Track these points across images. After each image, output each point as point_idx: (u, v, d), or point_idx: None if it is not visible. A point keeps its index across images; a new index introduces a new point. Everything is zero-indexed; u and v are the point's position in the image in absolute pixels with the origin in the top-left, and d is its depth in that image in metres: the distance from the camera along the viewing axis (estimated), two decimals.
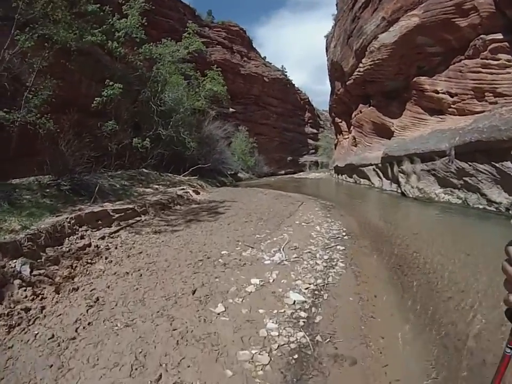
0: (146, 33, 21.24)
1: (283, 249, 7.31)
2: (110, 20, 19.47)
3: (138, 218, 9.65)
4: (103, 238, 7.68)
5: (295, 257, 6.83)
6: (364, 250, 7.96)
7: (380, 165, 23.51)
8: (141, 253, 6.96)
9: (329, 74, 44.28)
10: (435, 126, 19.30)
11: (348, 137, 39.08)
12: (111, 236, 7.97)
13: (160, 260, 6.50)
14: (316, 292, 5.21)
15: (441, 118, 19.55)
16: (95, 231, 7.91)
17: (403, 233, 9.68)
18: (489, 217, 11.97)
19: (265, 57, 79.57)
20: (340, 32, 32.61)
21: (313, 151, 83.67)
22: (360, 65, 26.27)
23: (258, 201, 15.10)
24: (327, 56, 44.39)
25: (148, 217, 10.07)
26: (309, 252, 7.28)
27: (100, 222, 8.35)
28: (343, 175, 35.80)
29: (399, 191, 20.41)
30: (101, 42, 16.95)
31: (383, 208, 16.60)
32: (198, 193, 17.08)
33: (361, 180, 28.98)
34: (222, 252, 7.01)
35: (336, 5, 39.19)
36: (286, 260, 6.65)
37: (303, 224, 10.24)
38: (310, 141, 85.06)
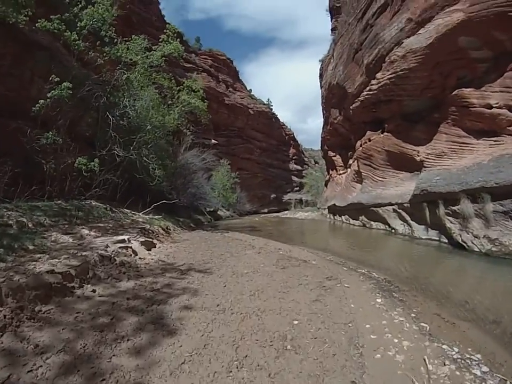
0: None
1: None
2: (75, 9, 15.04)
3: None
4: None
5: None
6: None
7: (406, 204, 17.35)
8: None
9: (323, 103, 38.94)
10: (491, 151, 13.52)
11: (345, 173, 33.43)
12: None
13: None
14: None
15: (495, 141, 13.79)
16: None
17: None
18: None
19: (250, 89, 74.95)
20: (343, 49, 27.05)
21: (297, 188, 78.14)
22: (373, 82, 20.47)
23: (252, 277, 7.90)
24: (321, 82, 39.19)
25: None
26: None
27: None
28: (343, 216, 29.32)
29: (445, 240, 14.35)
30: (58, 31, 13.53)
31: (480, 286, 8.89)
32: (151, 246, 10.17)
33: (372, 223, 22.54)
34: None
35: (332, 29, 34.73)
36: None
37: None
38: (294, 178, 79.63)
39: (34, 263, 5.83)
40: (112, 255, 7.71)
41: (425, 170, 16.57)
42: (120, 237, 9.24)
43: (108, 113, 15.77)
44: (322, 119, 40.57)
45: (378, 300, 6.54)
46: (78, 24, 14.50)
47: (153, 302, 5.69)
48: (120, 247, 8.42)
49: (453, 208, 13.37)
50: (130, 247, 8.77)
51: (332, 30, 35.15)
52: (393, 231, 19.16)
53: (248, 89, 74.04)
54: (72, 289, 5.59)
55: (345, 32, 26.52)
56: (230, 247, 12.53)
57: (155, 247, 10.60)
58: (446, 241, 14.27)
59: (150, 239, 10.89)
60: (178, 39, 19.97)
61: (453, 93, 15.44)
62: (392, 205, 19.03)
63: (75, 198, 13.19)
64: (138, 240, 9.73)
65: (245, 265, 9.17)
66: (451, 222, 13.67)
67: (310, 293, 6.66)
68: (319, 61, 39.45)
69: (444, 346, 4.56)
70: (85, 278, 6.10)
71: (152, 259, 8.92)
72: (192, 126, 21.90)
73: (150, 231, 12.38)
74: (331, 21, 36.21)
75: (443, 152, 16.01)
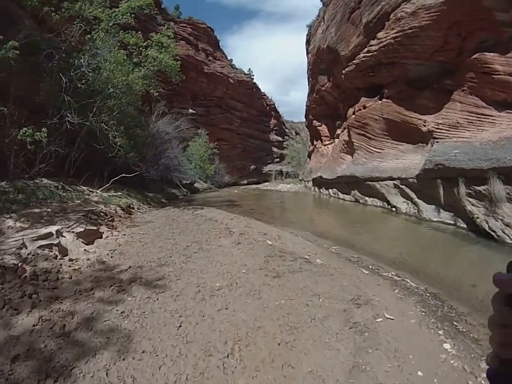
0: None
1: None
2: None
3: None
4: None
5: None
6: None
7: (412, 180, 14.83)
8: None
9: (309, 70, 35.97)
10: None
11: (331, 143, 30.92)
12: None
13: None
14: None
15: None
16: None
17: None
18: None
19: (231, 59, 70.75)
20: (336, 10, 23.77)
21: (277, 160, 75.26)
22: (373, 42, 17.58)
23: (228, 300, 4.80)
24: (307, 49, 36.16)
25: None
26: None
27: None
28: (331, 190, 26.73)
29: (463, 225, 12.02)
30: None
31: None
32: (95, 237, 7.21)
33: (367, 198, 19.89)
34: None
35: None
36: None
37: None
38: (275, 149, 76.52)
39: None
40: (22, 263, 4.90)
41: (436, 142, 14.03)
42: (49, 229, 6.34)
43: (61, 74, 12.78)
44: (306, 91, 38.23)
45: (447, 347, 3.88)
46: None
47: (50, 370, 3.01)
48: (41, 246, 5.60)
49: (477, 188, 10.95)
50: (58, 244, 5.90)
51: None
52: (393, 209, 16.62)
53: (229, 59, 69.89)
54: None
55: None
56: (201, 233, 9.61)
57: (101, 237, 7.75)
58: (465, 226, 11.91)
59: (95, 227, 7.96)
60: None
61: (473, 57, 12.96)
62: (393, 179, 16.46)
63: (19, 177, 10.60)
64: (73, 232, 6.82)
65: (217, 270, 6.22)
66: (473, 205, 11.27)
67: (339, 346, 3.73)
68: (307, 26, 35.94)
69: None
70: None
71: (87, 260, 6.05)
72: (163, 88, 18.55)
73: (100, 214, 9.45)
74: None
75: (458, 122, 13.62)
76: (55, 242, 5.90)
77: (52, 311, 4.12)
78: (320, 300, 4.95)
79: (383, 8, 16.19)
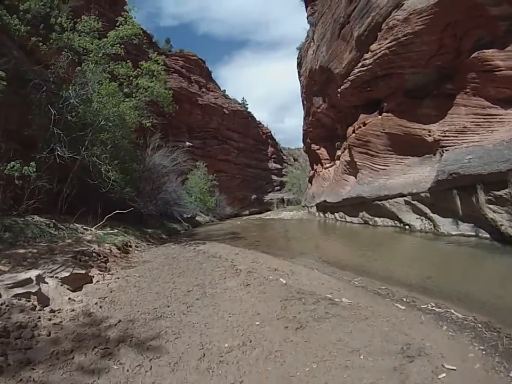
0: None
1: None
2: None
3: None
4: None
5: None
6: None
7: (424, 194, 14.09)
8: None
9: (303, 93, 36.03)
10: None
11: (332, 166, 30.34)
12: None
13: None
14: None
15: None
16: None
17: None
18: None
19: (224, 90, 71.27)
20: (325, 28, 23.71)
21: (278, 187, 74.84)
22: (366, 56, 17.23)
23: (242, 370, 3.62)
24: (299, 72, 36.20)
25: None
26: None
27: None
28: (336, 214, 25.92)
29: (485, 235, 11.35)
30: None
31: None
32: (83, 282, 6.21)
33: (376, 219, 19.02)
34: None
35: (309, 16, 32.19)
36: None
37: None
38: (274, 177, 76.28)
39: None
40: None
41: (446, 151, 13.40)
42: (28, 274, 5.53)
43: (49, 106, 12.24)
44: (301, 116, 38.48)
45: None
46: (20, 7, 12.16)
47: None
48: (17, 295, 4.79)
49: (497, 193, 10.29)
50: (37, 293, 5.08)
51: (309, 16, 32.40)
52: (407, 227, 15.80)
53: (222, 89, 70.47)
54: None
55: (327, 9, 23.22)
56: (203, 274, 8.42)
57: (91, 281, 6.82)
58: (488, 236, 11.21)
59: (84, 270, 7.02)
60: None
61: (472, 56, 12.59)
62: (403, 195, 15.71)
63: (7, 214, 9.93)
64: (57, 277, 5.99)
65: (224, 322, 5.02)
66: (495, 212, 10.58)
67: None
68: (297, 48, 36.08)
69: None
70: None
71: (71, 311, 5.15)
72: (156, 119, 18.03)
73: (92, 255, 8.55)
74: (306, 9, 33.56)
75: (465, 127, 13.11)
76: (34, 290, 5.03)
77: (20, 380, 3.28)
78: (361, 357, 3.89)
79: (373, 19, 15.88)
